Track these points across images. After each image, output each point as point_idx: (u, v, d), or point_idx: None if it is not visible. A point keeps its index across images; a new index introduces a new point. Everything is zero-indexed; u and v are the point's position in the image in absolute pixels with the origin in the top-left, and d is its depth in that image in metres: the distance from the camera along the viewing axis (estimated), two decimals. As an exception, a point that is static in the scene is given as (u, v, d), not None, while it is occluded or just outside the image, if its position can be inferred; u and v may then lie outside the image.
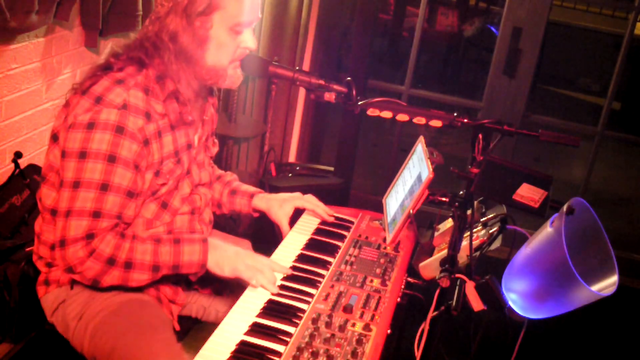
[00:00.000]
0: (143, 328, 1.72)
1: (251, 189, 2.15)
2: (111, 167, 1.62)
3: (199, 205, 1.91)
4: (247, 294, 1.74)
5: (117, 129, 1.62)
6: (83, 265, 1.62)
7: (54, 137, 1.73)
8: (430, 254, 1.83)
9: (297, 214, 2.17)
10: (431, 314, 1.61)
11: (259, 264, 1.76)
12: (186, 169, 1.82)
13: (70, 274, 1.67)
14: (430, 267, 1.79)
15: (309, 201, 2.15)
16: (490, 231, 1.78)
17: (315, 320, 1.59)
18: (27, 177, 2.48)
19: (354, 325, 1.60)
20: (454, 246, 1.66)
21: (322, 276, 1.85)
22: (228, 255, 1.75)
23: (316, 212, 2.14)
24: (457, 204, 1.72)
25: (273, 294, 1.73)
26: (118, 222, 1.67)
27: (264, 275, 1.73)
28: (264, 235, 2.27)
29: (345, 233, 2.11)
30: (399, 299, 1.81)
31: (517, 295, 1.59)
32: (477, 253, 1.74)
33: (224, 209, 2.17)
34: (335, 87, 1.83)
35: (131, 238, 1.68)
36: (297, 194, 2.15)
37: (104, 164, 1.62)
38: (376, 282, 1.80)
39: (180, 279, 1.90)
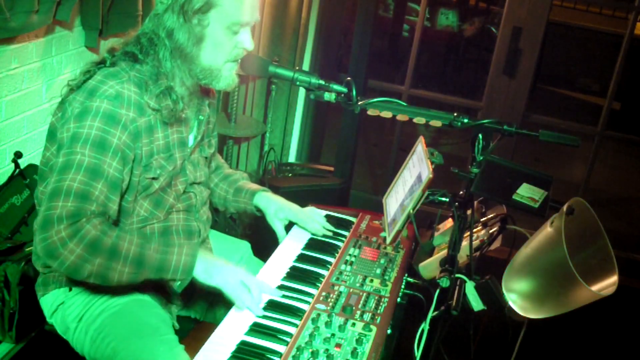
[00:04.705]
0: (144, 330, 1.72)
1: (254, 187, 2.14)
2: (100, 153, 1.59)
3: (194, 203, 1.91)
4: (247, 294, 1.74)
5: (109, 117, 1.61)
6: (65, 247, 1.50)
7: (51, 134, 1.73)
8: (430, 254, 1.83)
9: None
10: (431, 314, 1.61)
11: (250, 284, 1.69)
12: (179, 166, 1.81)
13: (48, 259, 1.53)
14: (430, 267, 1.79)
15: (305, 219, 2.10)
16: (490, 231, 1.78)
17: (315, 320, 1.59)
18: (27, 177, 2.48)
19: (354, 325, 1.60)
20: (454, 246, 1.66)
21: (322, 276, 1.85)
22: (220, 265, 1.69)
23: (307, 228, 2.11)
24: (457, 204, 1.72)
25: (273, 297, 1.73)
26: (104, 210, 1.59)
27: (250, 297, 1.67)
28: (263, 236, 2.26)
29: (345, 233, 2.11)
30: (399, 299, 1.81)
31: (517, 295, 1.59)
32: (477, 253, 1.74)
33: (231, 208, 2.16)
34: (335, 87, 1.83)
35: (119, 228, 1.62)
36: (296, 208, 2.12)
37: (93, 149, 1.58)
38: (376, 282, 1.80)
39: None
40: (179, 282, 1.65)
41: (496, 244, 1.80)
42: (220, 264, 1.70)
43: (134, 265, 1.58)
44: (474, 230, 1.77)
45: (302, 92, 3.92)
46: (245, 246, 2.20)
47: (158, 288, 1.84)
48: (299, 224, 2.12)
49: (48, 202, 1.53)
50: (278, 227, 2.09)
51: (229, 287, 1.66)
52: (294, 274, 1.87)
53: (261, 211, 2.12)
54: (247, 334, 1.58)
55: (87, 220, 1.54)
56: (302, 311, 1.67)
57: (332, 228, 2.12)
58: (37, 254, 1.58)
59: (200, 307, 2.04)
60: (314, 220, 2.11)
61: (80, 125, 1.60)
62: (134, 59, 1.70)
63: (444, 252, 1.72)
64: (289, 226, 2.14)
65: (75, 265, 1.52)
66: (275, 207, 2.10)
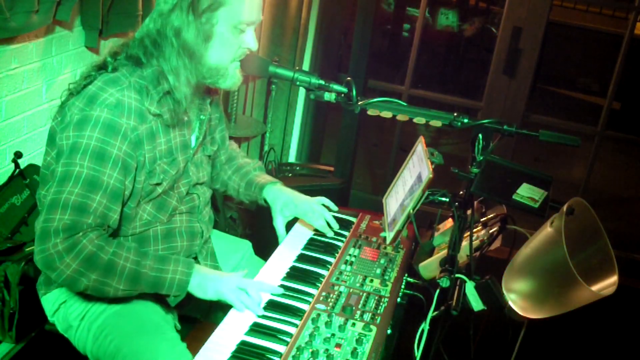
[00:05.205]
0: (147, 328, 1.72)
1: (263, 180, 2.13)
2: (99, 165, 1.59)
3: (197, 204, 1.91)
4: (247, 294, 1.74)
5: (109, 127, 1.60)
6: (62, 261, 1.53)
7: (51, 139, 1.73)
8: (430, 254, 1.83)
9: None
10: (431, 314, 1.61)
11: (246, 286, 1.70)
12: (182, 169, 1.81)
13: (45, 270, 1.56)
14: (430, 267, 1.79)
15: (311, 217, 2.08)
16: (490, 231, 1.78)
17: (315, 320, 1.59)
18: (27, 177, 2.48)
19: (354, 325, 1.60)
20: (454, 246, 1.66)
21: (322, 276, 1.85)
22: (213, 278, 1.71)
23: (313, 226, 2.10)
24: (457, 204, 1.72)
25: (273, 294, 1.73)
26: (103, 222, 1.61)
27: (248, 298, 1.68)
28: (264, 235, 2.26)
29: (345, 233, 2.11)
30: (399, 299, 1.81)
31: (517, 295, 1.59)
32: (477, 253, 1.74)
33: (246, 200, 2.16)
34: (335, 87, 1.83)
35: (116, 244, 1.62)
36: (305, 203, 2.09)
37: (91, 161, 1.58)
38: (376, 282, 1.80)
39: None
40: (173, 298, 1.68)
41: (496, 244, 1.80)
42: (213, 276, 1.71)
43: (129, 282, 1.61)
44: (474, 230, 1.77)
45: (302, 92, 3.91)
46: (246, 245, 2.21)
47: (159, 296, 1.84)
48: (305, 220, 2.12)
49: (46, 213, 1.55)
50: (279, 226, 2.09)
51: (225, 296, 1.68)
52: (294, 274, 1.87)
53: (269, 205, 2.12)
54: (247, 334, 1.58)
55: (84, 234, 1.55)
56: (302, 311, 1.67)
57: (336, 226, 2.11)
58: (36, 263, 1.59)
59: (200, 308, 2.04)
60: (320, 216, 2.10)
61: (79, 134, 1.60)
62: (136, 63, 1.69)
63: (444, 252, 1.72)
64: (292, 222, 2.14)
65: (72, 279, 1.56)
66: (281, 203, 2.09)
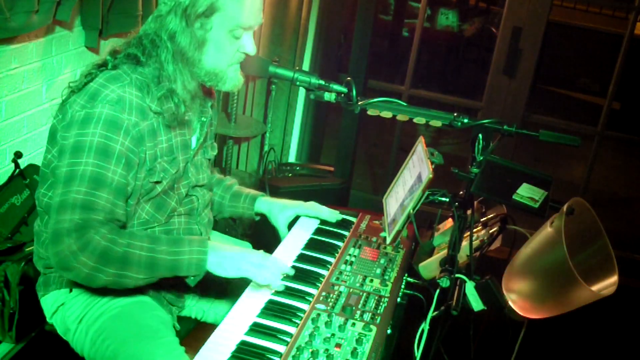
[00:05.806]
0: (144, 333, 1.71)
1: (253, 192, 2.15)
2: (103, 161, 1.59)
3: (196, 206, 1.91)
4: (247, 294, 1.74)
5: (111, 123, 1.60)
6: (77, 260, 1.53)
7: (52, 136, 1.73)
8: (430, 254, 1.83)
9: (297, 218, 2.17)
10: (431, 314, 1.61)
11: (266, 261, 1.72)
12: (182, 169, 1.81)
13: (63, 271, 1.58)
14: (430, 267, 1.79)
15: (312, 209, 2.12)
16: (490, 231, 1.78)
17: (315, 320, 1.59)
18: (27, 177, 2.49)
19: (354, 325, 1.60)
20: (454, 246, 1.66)
21: (322, 276, 1.85)
22: (231, 256, 1.70)
23: (319, 216, 2.14)
24: (457, 204, 1.72)
25: (273, 294, 1.73)
26: (112, 217, 1.61)
27: (270, 272, 1.70)
28: (264, 237, 2.27)
29: (345, 233, 2.11)
30: (399, 299, 1.81)
31: (517, 295, 1.59)
32: (477, 253, 1.74)
33: (225, 214, 2.16)
34: (335, 87, 1.83)
35: (128, 235, 1.62)
36: (300, 202, 2.13)
37: (96, 157, 1.59)
38: (376, 282, 1.80)
39: (179, 282, 1.88)
40: (192, 278, 1.68)
41: (496, 244, 1.80)
42: (231, 254, 1.70)
43: (147, 270, 1.61)
44: (474, 230, 1.77)
45: (302, 92, 3.92)
46: (246, 246, 2.20)
47: (159, 289, 1.84)
48: (309, 215, 2.13)
49: (56, 215, 1.56)
50: (282, 226, 2.09)
51: (246, 273, 1.69)
52: (294, 273, 1.87)
53: (263, 215, 2.13)
54: (247, 334, 1.58)
55: (96, 231, 1.56)
56: (302, 311, 1.67)
57: (340, 217, 2.15)
58: (54, 265, 1.60)
59: (200, 308, 2.04)
60: (322, 209, 2.14)
61: (82, 132, 1.60)
62: (136, 61, 1.69)
63: (444, 252, 1.72)
64: (290, 225, 2.14)
65: (90, 277, 1.56)
66: (279, 207, 2.10)
